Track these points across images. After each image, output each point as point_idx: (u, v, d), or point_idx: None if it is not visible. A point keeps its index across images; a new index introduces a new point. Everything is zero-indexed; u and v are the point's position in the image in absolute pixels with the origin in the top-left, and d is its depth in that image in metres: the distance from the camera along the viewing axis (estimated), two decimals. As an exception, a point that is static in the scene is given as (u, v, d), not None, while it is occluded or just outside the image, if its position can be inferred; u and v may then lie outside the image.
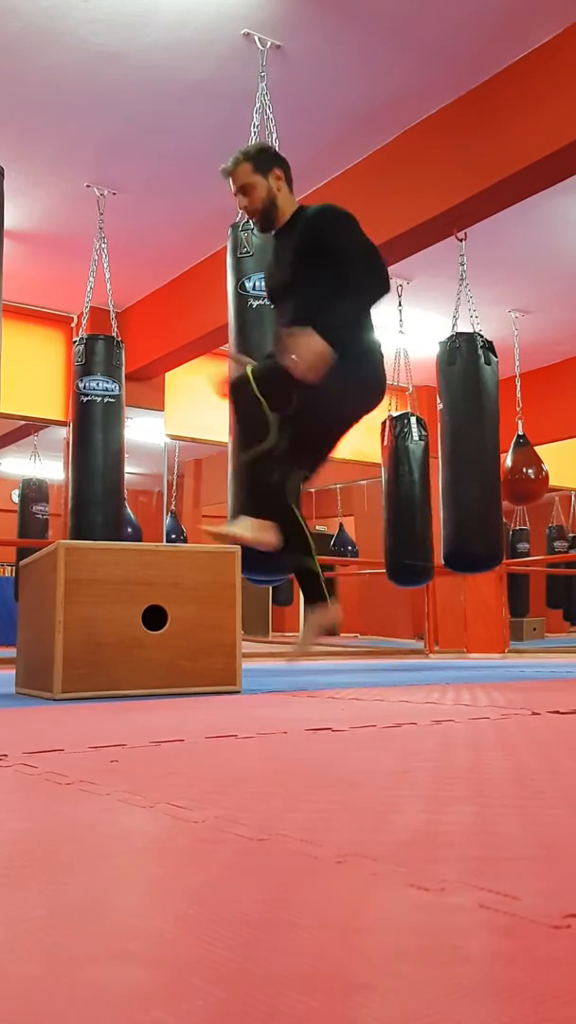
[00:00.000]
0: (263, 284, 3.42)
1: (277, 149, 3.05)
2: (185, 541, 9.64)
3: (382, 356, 2.96)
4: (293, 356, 2.64)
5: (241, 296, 3.50)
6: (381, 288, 2.81)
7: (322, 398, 2.79)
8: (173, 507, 9.64)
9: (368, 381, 2.92)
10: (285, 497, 2.83)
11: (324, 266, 2.82)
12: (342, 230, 2.82)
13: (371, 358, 2.91)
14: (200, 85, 4.34)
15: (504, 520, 6.58)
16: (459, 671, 4.12)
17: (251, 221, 3.05)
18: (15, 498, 9.16)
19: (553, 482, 7.12)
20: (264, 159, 2.96)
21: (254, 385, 2.74)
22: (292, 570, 2.98)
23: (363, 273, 2.77)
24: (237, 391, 2.81)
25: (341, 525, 10.90)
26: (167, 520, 9.20)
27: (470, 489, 4.94)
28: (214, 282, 5.68)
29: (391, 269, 2.96)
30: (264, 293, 3.37)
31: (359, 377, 2.88)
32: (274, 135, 4.05)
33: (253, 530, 2.74)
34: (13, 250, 5.46)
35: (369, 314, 2.89)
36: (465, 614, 7.51)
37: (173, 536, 9.21)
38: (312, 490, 3.39)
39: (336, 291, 2.77)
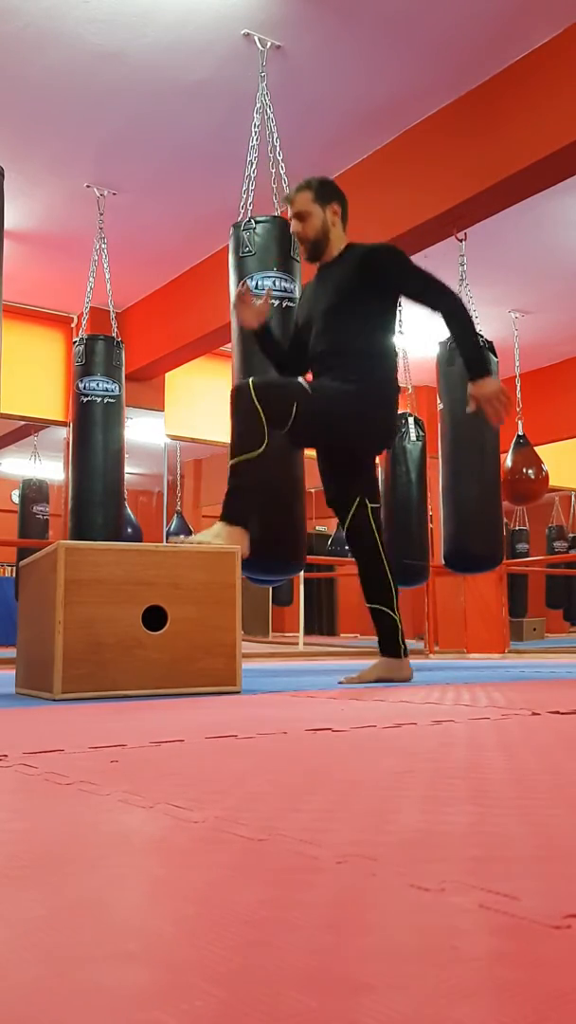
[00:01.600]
0: (265, 283, 3.44)
1: (331, 180, 3.17)
2: (190, 541, 9.60)
3: (394, 407, 3.13)
4: (487, 408, 2.90)
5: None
6: (461, 303, 3.00)
7: (321, 405, 2.89)
8: (179, 507, 9.64)
9: (376, 426, 3.08)
10: (376, 540, 2.94)
11: (371, 300, 2.98)
12: (411, 269, 2.97)
13: (384, 406, 3.06)
14: (200, 85, 4.34)
15: (504, 520, 6.57)
16: (459, 671, 4.12)
17: (300, 248, 3.14)
18: (15, 498, 9.17)
19: (553, 482, 7.12)
20: (325, 191, 3.07)
21: (253, 395, 2.77)
22: (372, 616, 3.07)
23: (450, 299, 2.96)
24: (236, 397, 2.85)
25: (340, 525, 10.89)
26: (174, 521, 9.19)
27: (470, 489, 4.94)
28: (214, 282, 5.69)
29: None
30: (264, 292, 3.40)
31: (368, 419, 3.03)
32: (274, 135, 4.06)
33: (223, 537, 2.76)
34: (13, 250, 5.46)
35: (394, 360, 3.09)
36: (465, 614, 7.51)
37: (182, 536, 9.20)
38: (312, 490, 3.40)
39: (375, 324, 2.99)
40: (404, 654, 3.07)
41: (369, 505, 3.04)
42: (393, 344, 3.10)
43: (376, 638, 3.10)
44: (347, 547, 3.16)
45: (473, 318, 3.01)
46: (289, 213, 3.08)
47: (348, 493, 3.06)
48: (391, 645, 3.06)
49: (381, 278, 2.97)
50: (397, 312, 3.14)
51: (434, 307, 2.94)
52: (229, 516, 2.81)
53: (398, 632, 3.06)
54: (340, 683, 2.96)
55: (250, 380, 2.86)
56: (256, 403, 2.77)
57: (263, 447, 2.77)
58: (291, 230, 3.11)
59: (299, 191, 3.06)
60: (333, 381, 2.96)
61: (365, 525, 3.03)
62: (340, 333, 3.00)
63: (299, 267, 3.58)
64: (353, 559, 3.08)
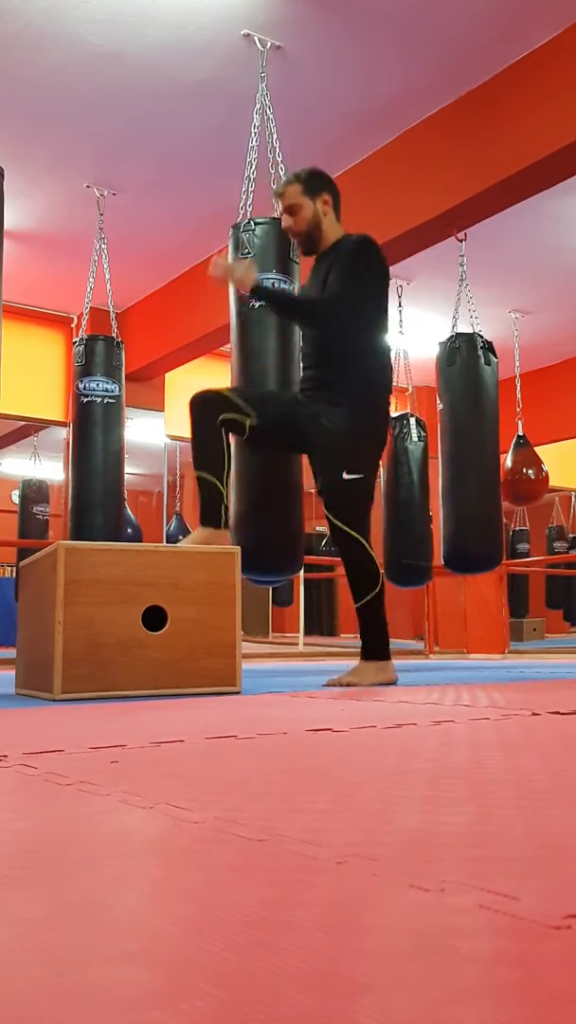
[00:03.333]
0: (265, 284, 3.44)
1: (320, 170, 3.15)
2: (191, 542, 9.59)
3: (389, 393, 3.12)
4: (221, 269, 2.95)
5: (242, 296, 3.50)
6: (311, 318, 3.00)
7: (367, 467, 2.97)
8: (178, 508, 9.63)
9: (380, 423, 3.08)
10: (369, 552, 2.94)
11: (361, 294, 2.95)
12: (349, 268, 2.94)
13: (382, 402, 3.06)
14: (200, 85, 4.34)
15: (504, 520, 6.57)
16: (459, 671, 4.12)
17: (294, 242, 3.12)
18: (15, 499, 9.16)
19: (553, 482, 7.12)
20: (314, 183, 3.04)
21: (349, 531, 2.88)
22: (359, 619, 3.04)
23: (322, 306, 2.95)
24: (342, 547, 2.94)
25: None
26: (173, 521, 9.18)
27: (470, 489, 4.94)
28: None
29: (392, 269, 3.01)
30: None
31: (374, 420, 3.04)
32: (274, 136, 4.06)
33: (373, 678, 2.91)
34: (13, 251, 5.46)
35: (386, 351, 3.07)
36: (465, 615, 7.51)
37: (180, 537, 9.20)
38: (310, 491, 3.40)
39: (364, 318, 2.96)
40: (388, 656, 3.04)
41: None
42: (384, 342, 3.06)
43: (360, 639, 3.09)
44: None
45: (311, 318, 3.01)
46: (279, 208, 3.05)
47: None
48: (377, 648, 3.03)
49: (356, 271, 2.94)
50: (387, 308, 3.10)
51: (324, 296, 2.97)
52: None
53: (384, 632, 3.02)
54: (325, 685, 2.95)
55: (338, 524, 2.93)
56: (358, 536, 2.90)
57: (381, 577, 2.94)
58: (282, 225, 3.09)
59: (288, 184, 3.03)
60: (324, 404, 2.95)
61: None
62: (328, 331, 2.97)
63: (298, 268, 3.58)
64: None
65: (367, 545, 2.93)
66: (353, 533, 2.90)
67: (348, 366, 2.95)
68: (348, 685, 2.91)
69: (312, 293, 3.07)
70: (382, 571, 3.00)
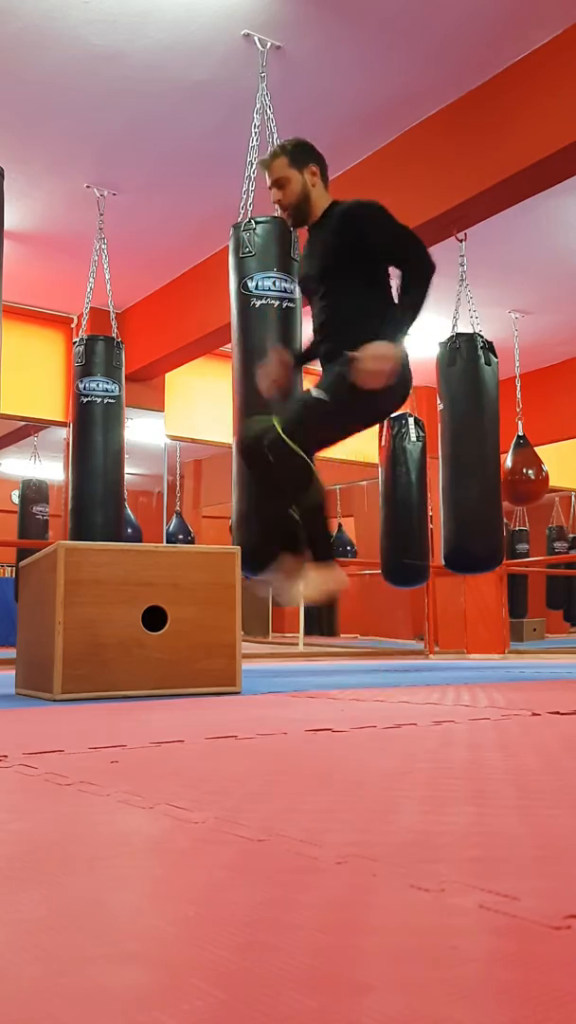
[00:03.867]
0: (266, 284, 3.43)
1: (304, 140, 3.11)
2: (193, 542, 9.62)
3: (406, 359, 3.02)
4: (365, 368, 2.71)
5: (243, 296, 3.50)
6: (432, 270, 2.87)
7: (342, 400, 2.83)
8: (178, 508, 9.64)
9: (404, 374, 2.96)
10: (305, 457, 2.80)
11: (359, 259, 2.91)
12: (384, 224, 2.90)
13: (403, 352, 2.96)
14: (200, 85, 4.34)
15: (504, 521, 6.57)
16: (459, 672, 4.12)
17: (285, 215, 3.10)
18: (15, 499, 9.16)
19: (553, 483, 7.11)
20: (300, 154, 3.02)
21: (287, 441, 2.74)
22: (303, 520, 2.88)
23: (420, 262, 2.84)
24: (273, 450, 2.77)
25: (340, 525, 10.90)
26: (173, 521, 9.19)
27: (470, 490, 4.94)
28: (214, 282, 5.68)
29: (392, 269, 3.00)
30: (266, 293, 3.41)
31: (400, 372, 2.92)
32: (274, 136, 4.05)
33: (325, 584, 2.77)
34: (13, 251, 5.46)
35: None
36: (465, 615, 7.51)
37: (180, 537, 9.21)
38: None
39: (370, 282, 2.91)
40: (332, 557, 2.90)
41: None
42: (393, 300, 3.04)
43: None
44: None
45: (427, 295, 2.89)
46: (268, 181, 3.03)
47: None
48: (323, 550, 2.86)
49: (359, 236, 2.90)
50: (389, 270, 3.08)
51: (406, 265, 2.84)
52: (326, 555, 2.81)
53: (327, 535, 2.91)
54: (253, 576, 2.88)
55: (279, 428, 2.77)
56: (291, 445, 2.75)
57: (317, 482, 2.78)
58: (272, 200, 3.08)
59: (274, 158, 3.01)
60: (342, 366, 2.89)
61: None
62: (336, 297, 2.94)
63: (298, 268, 3.58)
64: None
65: (308, 461, 2.79)
66: (296, 448, 2.76)
67: (364, 329, 2.89)
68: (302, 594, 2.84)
69: (312, 263, 3.04)
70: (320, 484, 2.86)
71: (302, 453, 2.73)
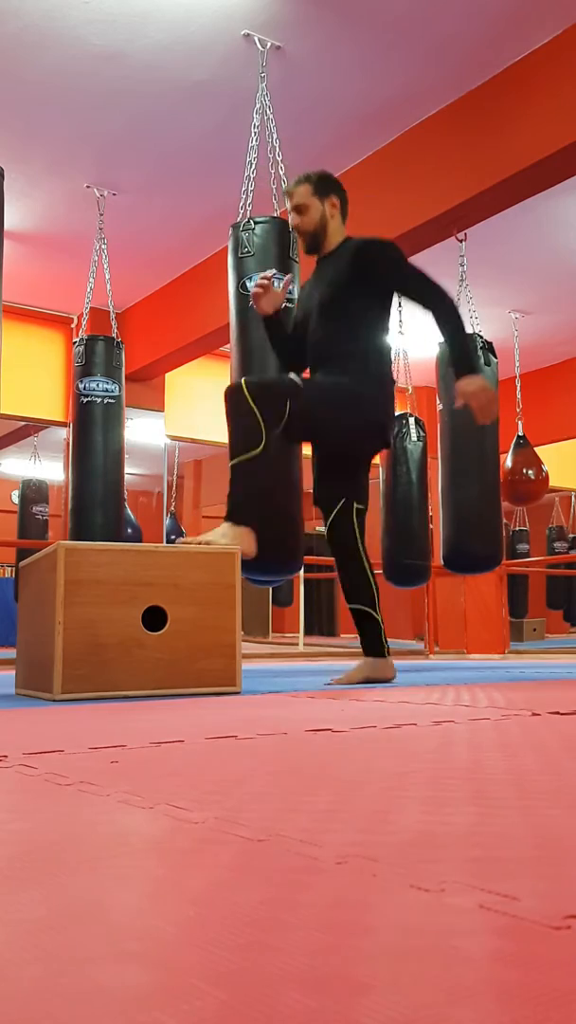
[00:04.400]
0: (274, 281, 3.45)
1: (330, 173, 3.21)
2: (185, 542, 9.61)
3: (390, 406, 3.14)
4: (472, 403, 2.87)
5: (242, 296, 3.50)
6: (454, 305, 2.98)
7: (314, 401, 2.88)
8: (173, 508, 9.64)
9: (368, 421, 3.06)
10: (356, 542, 2.92)
11: (365, 294, 2.99)
12: (399, 265, 2.97)
13: (377, 403, 3.05)
14: (200, 85, 4.34)
15: (504, 521, 6.57)
16: (459, 672, 4.12)
17: (299, 241, 3.16)
18: (15, 499, 9.16)
19: (553, 483, 7.12)
20: (324, 185, 3.10)
21: (247, 395, 2.78)
22: (353, 617, 3.08)
23: (441, 300, 2.94)
24: (230, 398, 2.85)
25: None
26: (167, 521, 9.20)
27: (470, 490, 4.94)
28: (214, 282, 5.69)
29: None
30: (283, 280, 3.42)
31: (362, 412, 3.04)
32: (274, 136, 4.06)
33: (230, 538, 2.76)
34: (13, 251, 5.46)
35: (389, 359, 3.10)
36: (465, 615, 7.51)
37: (173, 537, 9.21)
38: (311, 491, 3.40)
39: (369, 321, 3.01)
40: (387, 653, 3.07)
41: (356, 506, 3.04)
42: (387, 342, 3.11)
43: (359, 639, 3.12)
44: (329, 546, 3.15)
45: (463, 317, 3.00)
46: (288, 206, 3.09)
47: (334, 493, 3.06)
48: (375, 646, 3.07)
49: (372, 273, 2.98)
50: (391, 309, 3.15)
51: (429, 307, 2.94)
52: (234, 516, 2.81)
53: (381, 632, 3.06)
54: (328, 684, 2.96)
55: (243, 380, 2.87)
56: (251, 403, 2.77)
57: (262, 446, 2.77)
58: (291, 223, 3.13)
59: (298, 184, 3.09)
60: (327, 376, 2.97)
61: (348, 527, 3.02)
62: (333, 329, 3.00)
63: (298, 268, 3.58)
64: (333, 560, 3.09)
65: (366, 563, 3.03)
66: (360, 553, 3.00)
67: (355, 359, 2.97)
68: (350, 683, 2.93)
69: (316, 293, 3.09)
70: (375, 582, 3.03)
71: (259, 415, 2.77)
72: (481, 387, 2.87)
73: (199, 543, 2.73)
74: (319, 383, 2.97)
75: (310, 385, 2.94)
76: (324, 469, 3.12)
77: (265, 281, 3.04)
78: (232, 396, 2.84)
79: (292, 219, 3.10)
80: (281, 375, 3.09)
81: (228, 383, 3.48)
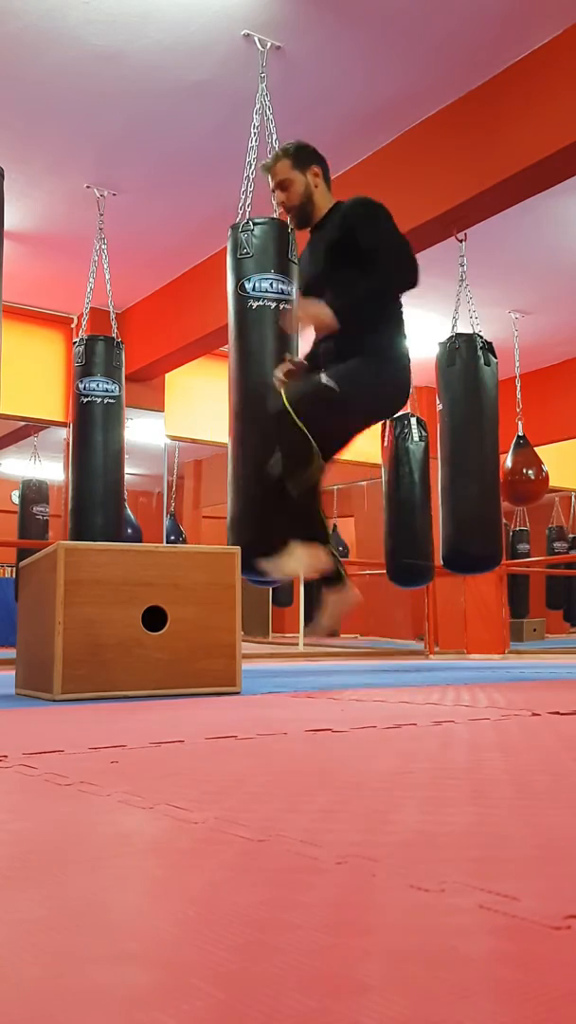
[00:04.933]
0: (263, 285, 3.44)
1: (306, 143, 3.15)
2: (184, 542, 9.63)
3: (408, 362, 3.04)
4: (298, 315, 2.91)
5: (241, 297, 3.50)
6: (406, 278, 2.88)
7: (350, 393, 2.85)
8: (172, 508, 9.64)
9: (395, 382, 2.99)
10: (313, 481, 2.85)
11: (355, 258, 2.91)
12: (373, 222, 2.91)
13: (399, 362, 3.00)
14: (200, 85, 4.34)
15: (504, 521, 6.57)
16: (459, 672, 4.12)
17: (288, 217, 3.13)
18: (15, 499, 9.16)
19: (553, 483, 7.11)
20: (302, 156, 3.06)
21: (292, 413, 2.76)
22: (298, 501, 2.90)
23: (391, 263, 2.86)
24: (277, 421, 2.83)
25: (335, 526, 10.91)
26: (166, 521, 9.20)
27: (470, 490, 4.94)
28: (214, 283, 5.68)
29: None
30: (263, 294, 3.42)
31: (387, 377, 2.96)
32: (274, 136, 4.05)
33: (308, 561, 2.79)
34: (13, 251, 5.46)
35: (401, 319, 3.01)
36: (465, 615, 7.51)
37: (172, 537, 9.22)
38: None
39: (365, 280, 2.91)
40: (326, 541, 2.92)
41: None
42: (397, 298, 3.01)
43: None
44: None
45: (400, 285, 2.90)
46: (270, 184, 3.06)
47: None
48: (335, 576, 2.90)
49: (353, 233, 2.92)
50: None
51: (381, 268, 2.84)
52: (327, 538, 2.85)
53: (337, 560, 2.93)
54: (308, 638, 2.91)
55: (285, 399, 2.81)
56: (295, 419, 2.76)
57: (316, 460, 2.77)
58: (275, 200, 3.10)
59: (276, 160, 3.05)
60: (345, 361, 2.90)
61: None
62: (337, 298, 2.92)
63: (297, 269, 3.58)
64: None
65: (309, 436, 2.79)
66: (299, 422, 2.78)
67: (365, 328, 2.91)
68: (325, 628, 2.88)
69: (312, 265, 3.06)
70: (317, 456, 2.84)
71: (303, 428, 2.76)
72: (316, 315, 2.85)
73: (287, 575, 2.75)
74: (344, 373, 2.87)
75: (337, 376, 2.86)
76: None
77: (282, 374, 3.03)
78: (280, 420, 2.81)
79: (276, 196, 3.05)
80: (311, 379, 3.02)
81: (227, 382, 3.49)
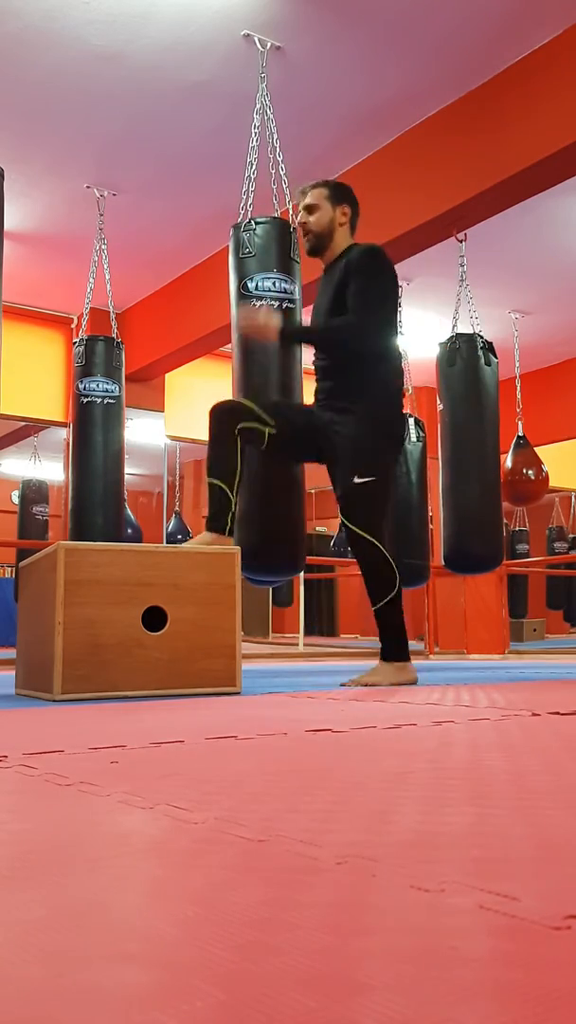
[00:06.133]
0: (265, 284, 3.47)
1: (348, 186, 3.25)
2: (188, 542, 9.62)
3: (401, 387, 3.17)
4: (240, 324, 3.03)
5: (244, 296, 3.50)
6: (344, 342, 3.02)
7: (378, 467, 3.01)
8: (177, 508, 9.64)
9: (393, 423, 3.10)
10: (391, 563, 2.98)
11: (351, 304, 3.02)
12: (360, 278, 3.00)
13: (392, 400, 3.09)
14: (200, 86, 4.34)
15: (504, 521, 6.57)
16: (459, 672, 4.12)
17: (303, 240, 3.19)
18: (15, 499, 9.16)
19: (553, 483, 7.11)
20: (339, 192, 3.18)
21: (367, 536, 2.93)
22: (377, 621, 3.05)
23: (351, 323, 2.98)
24: (353, 547, 3.00)
25: (341, 525, 10.91)
26: (172, 521, 9.20)
27: (470, 490, 4.94)
28: (214, 283, 5.68)
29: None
30: (265, 293, 3.45)
31: (386, 427, 3.07)
32: (274, 136, 4.06)
33: (396, 679, 2.92)
34: (13, 251, 5.46)
35: (389, 347, 3.09)
36: (465, 615, 7.51)
37: (179, 537, 9.22)
38: (312, 491, 3.39)
39: (382, 320, 3.03)
40: (408, 658, 3.05)
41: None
42: (394, 345, 3.12)
43: (376, 638, 3.09)
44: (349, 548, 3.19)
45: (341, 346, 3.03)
46: (300, 204, 3.15)
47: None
48: (396, 650, 3.03)
49: (350, 281, 3.01)
50: (395, 313, 3.16)
51: (349, 318, 2.97)
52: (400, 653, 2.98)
53: (403, 636, 3.04)
54: (343, 685, 2.95)
55: (354, 528, 2.97)
56: (374, 540, 2.94)
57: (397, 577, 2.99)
58: (298, 220, 3.17)
59: (315, 187, 3.16)
60: (332, 414, 3.01)
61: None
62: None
63: (299, 268, 3.58)
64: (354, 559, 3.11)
65: (382, 548, 2.96)
66: (368, 536, 2.94)
67: (361, 374, 3.01)
68: (367, 685, 2.91)
69: (321, 300, 3.12)
70: (398, 575, 3.01)
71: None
72: (260, 328, 2.99)
73: (371, 687, 2.83)
74: (331, 428, 3.02)
75: (324, 425, 3.03)
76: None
77: (249, 318, 3.10)
78: (355, 543, 2.99)
79: (301, 216, 3.15)
80: (297, 401, 3.19)
81: (228, 383, 3.50)
